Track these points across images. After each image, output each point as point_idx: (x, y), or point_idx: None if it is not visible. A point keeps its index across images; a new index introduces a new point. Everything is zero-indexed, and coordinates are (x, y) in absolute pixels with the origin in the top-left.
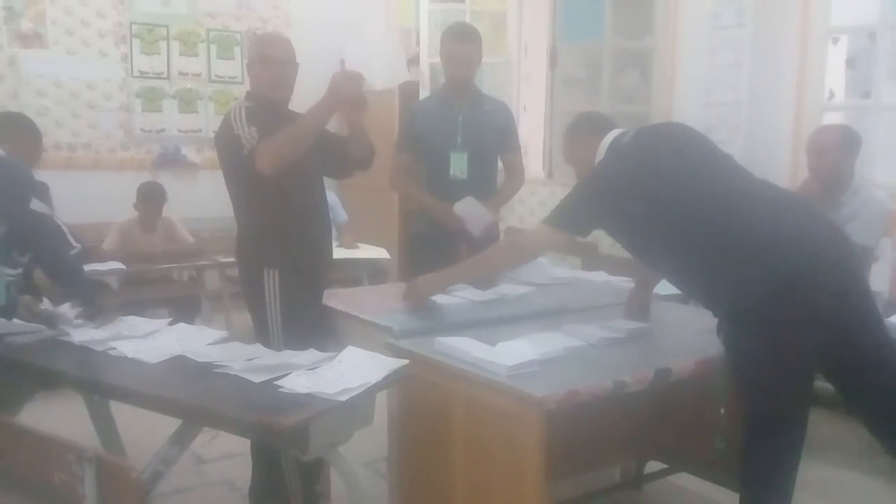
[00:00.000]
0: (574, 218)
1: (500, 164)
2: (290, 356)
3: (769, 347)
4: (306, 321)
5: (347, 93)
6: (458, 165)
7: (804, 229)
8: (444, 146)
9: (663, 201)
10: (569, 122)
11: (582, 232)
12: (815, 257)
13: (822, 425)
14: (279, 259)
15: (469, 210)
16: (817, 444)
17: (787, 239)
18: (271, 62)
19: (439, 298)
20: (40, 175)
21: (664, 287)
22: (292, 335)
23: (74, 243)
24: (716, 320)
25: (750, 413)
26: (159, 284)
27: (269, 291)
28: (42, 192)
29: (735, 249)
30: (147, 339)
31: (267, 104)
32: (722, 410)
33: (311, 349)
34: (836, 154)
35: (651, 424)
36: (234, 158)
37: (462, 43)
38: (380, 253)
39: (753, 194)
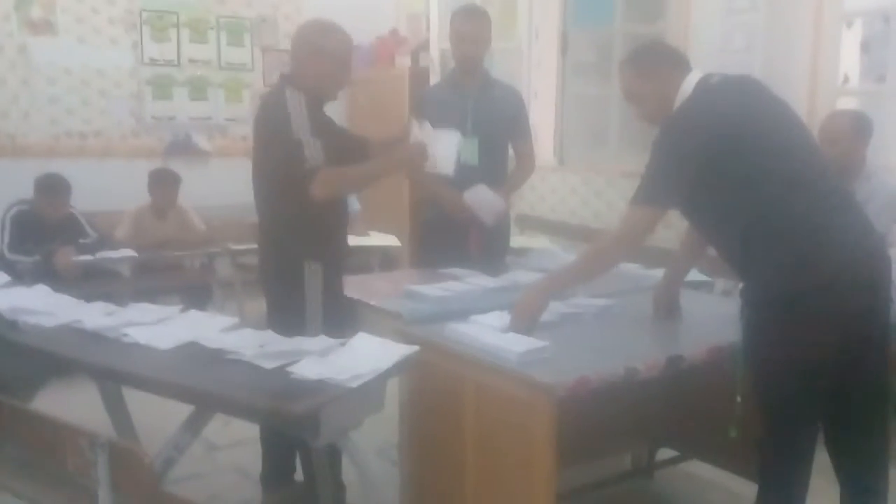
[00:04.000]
0: (657, 185)
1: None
2: (301, 342)
3: (788, 343)
4: (341, 311)
5: (416, 164)
6: (469, 151)
7: (852, 236)
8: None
9: (737, 159)
10: (636, 49)
11: (670, 198)
12: (854, 268)
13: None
14: (323, 252)
15: (480, 198)
16: None
17: (833, 242)
18: (331, 57)
19: (454, 285)
20: (53, 165)
21: None
22: (333, 325)
23: (91, 232)
24: (731, 307)
25: (764, 403)
26: (171, 272)
27: (309, 284)
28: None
29: (782, 237)
30: (159, 326)
31: (318, 99)
32: (738, 399)
33: (322, 335)
34: (847, 141)
35: (663, 411)
36: (289, 161)
37: (470, 20)
38: (390, 240)
39: (817, 184)
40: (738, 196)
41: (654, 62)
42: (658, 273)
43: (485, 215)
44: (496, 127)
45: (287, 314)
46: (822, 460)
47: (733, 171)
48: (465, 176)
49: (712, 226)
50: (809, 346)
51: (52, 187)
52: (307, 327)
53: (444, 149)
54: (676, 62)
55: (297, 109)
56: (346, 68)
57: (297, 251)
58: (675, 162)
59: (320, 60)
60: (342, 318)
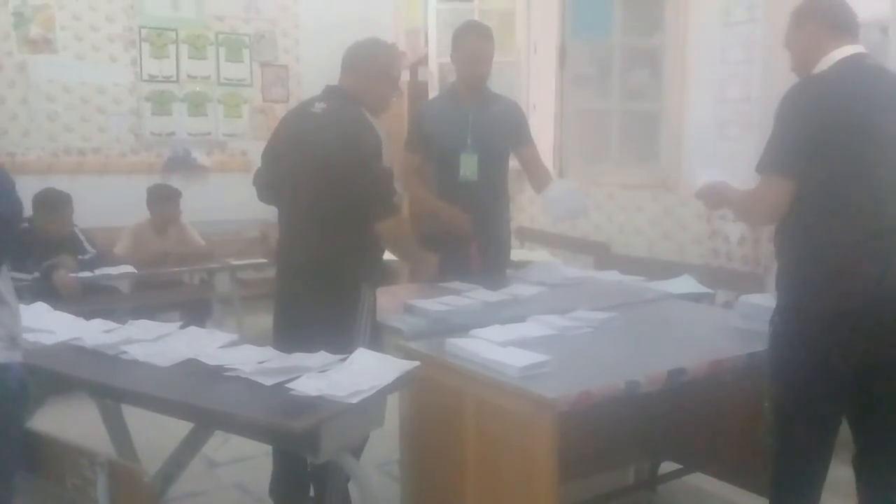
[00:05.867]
0: (781, 152)
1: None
2: (300, 359)
3: (806, 354)
4: (379, 331)
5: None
6: (469, 167)
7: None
8: (454, 147)
9: (827, 156)
10: None
11: (793, 168)
12: (887, 298)
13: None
14: (375, 274)
15: (562, 193)
16: (844, 442)
17: (874, 269)
18: (395, 82)
19: (454, 299)
20: (52, 182)
21: (677, 286)
22: (376, 345)
23: (90, 248)
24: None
25: (783, 414)
26: (171, 288)
27: (363, 305)
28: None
29: (831, 248)
30: (158, 343)
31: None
32: (766, 404)
33: (323, 352)
34: None
35: (665, 425)
36: (379, 189)
37: (483, 40)
38: (391, 255)
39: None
40: (808, 190)
41: (809, 16)
42: (659, 286)
43: (563, 212)
44: (496, 142)
45: (327, 334)
46: (835, 477)
47: (830, 171)
48: (465, 191)
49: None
50: (826, 360)
51: (55, 203)
52: (355, 346)
53: (571, 202)
54: (836, 27)
55: (385, 137)
56: (399, 94)
57: (353, 273)
58: (793, 129)
59: (385, 84)
60: (378, 339)
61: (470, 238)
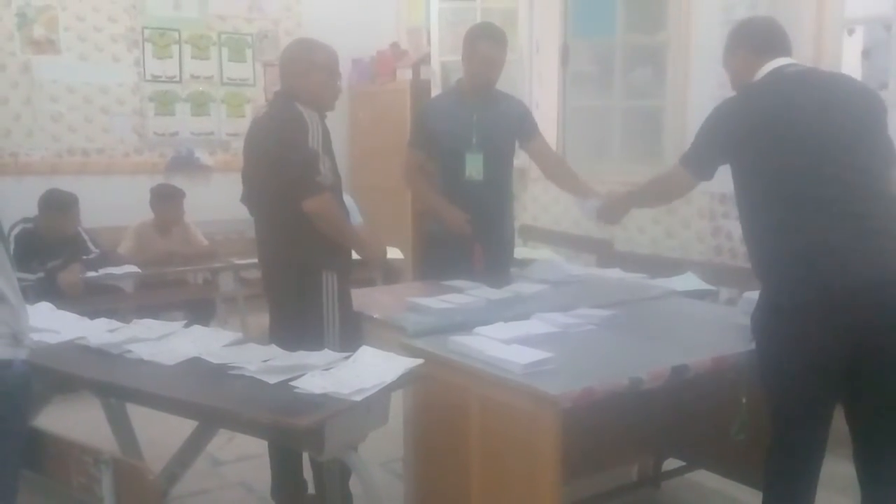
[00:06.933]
0: (697, 152)
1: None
2: (304, 357)
3: (794, 348)
4: (353, 320)
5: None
6: (474, 166)
7: (879, 259)
8: (459, 147)
9: (769, 158)
10: (740, 21)
11: (703, 170)
12: (869, 290)
13: (843, 420)
14: (337, 262)
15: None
16: (840, 438)
17: (852, 263)
18: (325, 69)
19: (457, 297)
20: (56, 182)
21: (680, 283)
22: (347, 334)
23: (94, 248)
24: (735, 316)
25: (773, 409)
26: (175, 287)
27: (327, 294)
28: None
29: (798, 250)
30: (163, 342)
31: (322, 116)
32: (743, 400)
33: (326, 349)
34: None
35: (668, 421)
36: (305, 170)
37: (497, 46)
38: (393, 253)
39: (852, 205)
40: (761, 196)
41: (737, 42)
42: (662, 283)
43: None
44: (501, 141)
45: (299, 326)
46: (830, 472)
47: (763, 169)
48: (470, 191)
49: (743, 217)
50: (815, 354)
51: (62, 204)
52: (325, 337)
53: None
54: (760, 48)
55: (315, 124)
56: (338, 77)
57: (309, 262)
58: (712, 137)
59: (316, 74)
60: (352, 329)
61: (471, 237)
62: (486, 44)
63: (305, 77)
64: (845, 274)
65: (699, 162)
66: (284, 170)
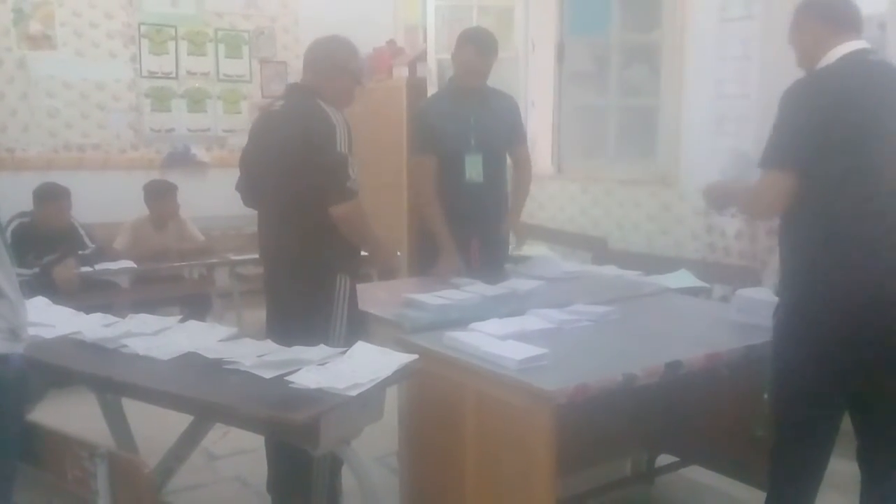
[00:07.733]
0: (781, 146)
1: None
2: (300, 352)
3: (806, 347)
4: (359, 319)
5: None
6: (474, 168)
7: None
8: (459, 149)
9: (837, 151)
10: None
11: (793, 161)
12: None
13: (846, 420)
14: (352, 264)
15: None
16: (843, 437)
17: (884, 264)
18: (354, 76)
19: (453, 293)
20: (52, 177)
21: (675, 281)
22: (353, 333)
23: (89, 243)
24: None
25: (779, 402)
26: (170, 282)
27: (339, 296)
28: (62, 193)
29: (842, 244)
30: (158, 337)
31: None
32: (765, 395)
33: (322, 345)
34: None
35: (662, 417)
36: (336, 174)
37: (481, 57)
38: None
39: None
40: (812, 186)
41: (809, 13)
42: (656, 280)
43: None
44: (497, 139)
45: (303, 323)
46: (833, 470)
47: (822, 162)
48: (470, 192)
49: (788, 217)
50: (832, 355)
51: (53, 194)
52: (329, 335)
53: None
54: (837, 23)
55: (341, 124)
56: (360, 86)
57: (326, 264)
58: (794, 123)
59: (344, 78)
60: (358, 326)
61: (469, 234)
62: (470, 49)
63: (333, 77)
64: (890, 280)
65: (792, 153)
66: (312, 174)
